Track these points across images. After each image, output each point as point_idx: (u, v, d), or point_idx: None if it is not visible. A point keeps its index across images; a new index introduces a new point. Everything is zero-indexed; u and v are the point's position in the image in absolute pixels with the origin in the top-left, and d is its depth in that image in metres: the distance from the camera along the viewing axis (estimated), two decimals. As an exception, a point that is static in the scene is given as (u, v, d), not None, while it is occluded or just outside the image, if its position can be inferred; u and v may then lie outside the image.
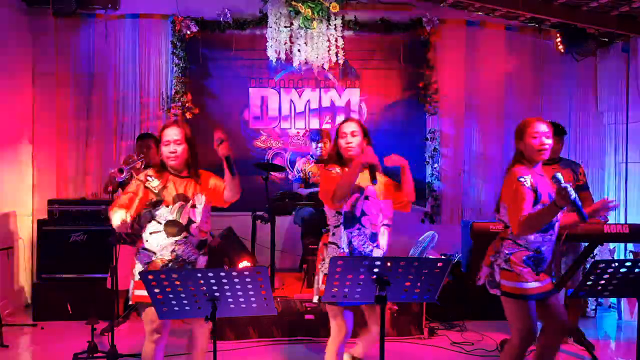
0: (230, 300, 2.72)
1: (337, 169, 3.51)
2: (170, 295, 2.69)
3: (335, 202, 3.42)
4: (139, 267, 3.32)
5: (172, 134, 3.38)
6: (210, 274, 2.62)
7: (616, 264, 2.83)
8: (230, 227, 5.31)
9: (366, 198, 3.45)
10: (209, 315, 2.71)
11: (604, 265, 2.82)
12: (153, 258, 3.30)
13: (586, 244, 4.37)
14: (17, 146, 5.89)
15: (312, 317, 4.80)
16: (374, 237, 3.47)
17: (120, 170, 4.50)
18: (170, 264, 3.28)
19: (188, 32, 6.08)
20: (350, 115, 6.30)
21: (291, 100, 6.38)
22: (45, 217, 5.58)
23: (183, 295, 2.68)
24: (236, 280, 2.64)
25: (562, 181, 2.92)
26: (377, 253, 3.47)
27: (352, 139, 3.51)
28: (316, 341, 4.74)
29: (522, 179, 3.16)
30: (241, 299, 2.73)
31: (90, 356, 4.26)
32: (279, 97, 6.36)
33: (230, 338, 4.74)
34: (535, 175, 3.24)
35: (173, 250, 3.30)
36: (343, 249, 3.42)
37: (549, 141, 3.24)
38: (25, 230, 5.90)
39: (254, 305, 2.76)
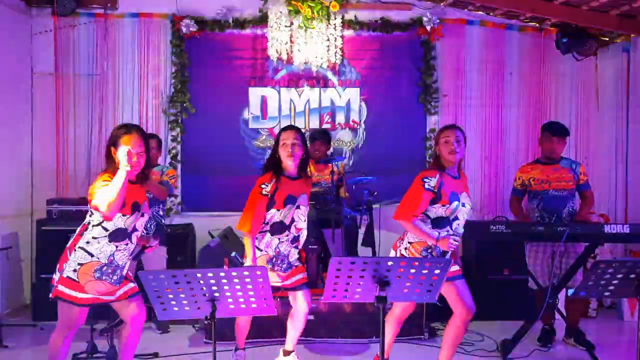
0: (230, 300, 2.71)
1: (268, 187, 3.66)
2: (170, 296, 2.68)
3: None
4: (72, 265, 3.22)
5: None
6: (210, 274, 2.61)
7: (617, 264, 2.82)
8: (230, 227, 5.29)
9: (298, 207, 3.75)
10: (208, 315, 2.71)
11: (604, 265, 2.82)
12: (88, 260, 3.23)
13: (586, 244, 4.36)
14: (16, 146, 5.88)
15: (312, 317, 4.79)
16: (295, 239, 3.81)
17: None
18: (104, 268, 3.24)
19: (187, 32, 6.08)
20: (351, 114, 6.33)
21: (291, 100, 6.36)
22: (44, 217, 5.57)
23: (182, 295, 2.68)
24: (236, 280, 2.64)
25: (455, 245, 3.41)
26: (294, 252, 3.85)
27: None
28: (316, 341, 4.73)
29: (425, 179, 3.47)
30: (241, 299, 2.72)
31: (89, 356, 4.26)
32: (279, 96, 6.35)
33: (230, 338, 4.72)
34: (447, 177, 3.52)
35: (112, 255, 3.26)
36: (267, 252, 3.72)
37: (459, 146, 3.58)
38: (24, 230, 5.89)
39: (253, 305, 2.76)
